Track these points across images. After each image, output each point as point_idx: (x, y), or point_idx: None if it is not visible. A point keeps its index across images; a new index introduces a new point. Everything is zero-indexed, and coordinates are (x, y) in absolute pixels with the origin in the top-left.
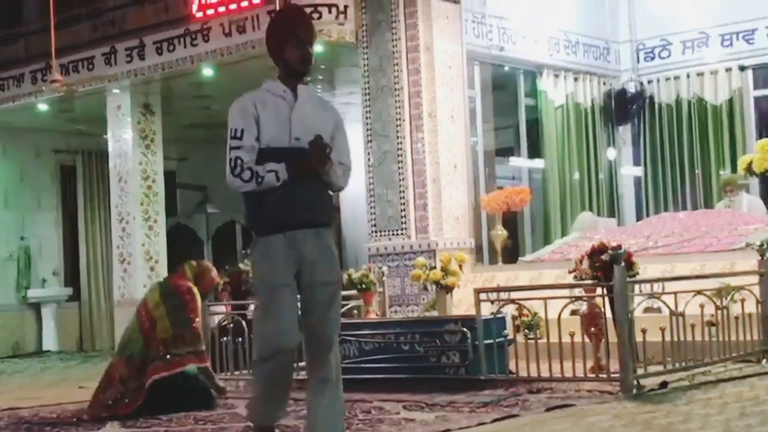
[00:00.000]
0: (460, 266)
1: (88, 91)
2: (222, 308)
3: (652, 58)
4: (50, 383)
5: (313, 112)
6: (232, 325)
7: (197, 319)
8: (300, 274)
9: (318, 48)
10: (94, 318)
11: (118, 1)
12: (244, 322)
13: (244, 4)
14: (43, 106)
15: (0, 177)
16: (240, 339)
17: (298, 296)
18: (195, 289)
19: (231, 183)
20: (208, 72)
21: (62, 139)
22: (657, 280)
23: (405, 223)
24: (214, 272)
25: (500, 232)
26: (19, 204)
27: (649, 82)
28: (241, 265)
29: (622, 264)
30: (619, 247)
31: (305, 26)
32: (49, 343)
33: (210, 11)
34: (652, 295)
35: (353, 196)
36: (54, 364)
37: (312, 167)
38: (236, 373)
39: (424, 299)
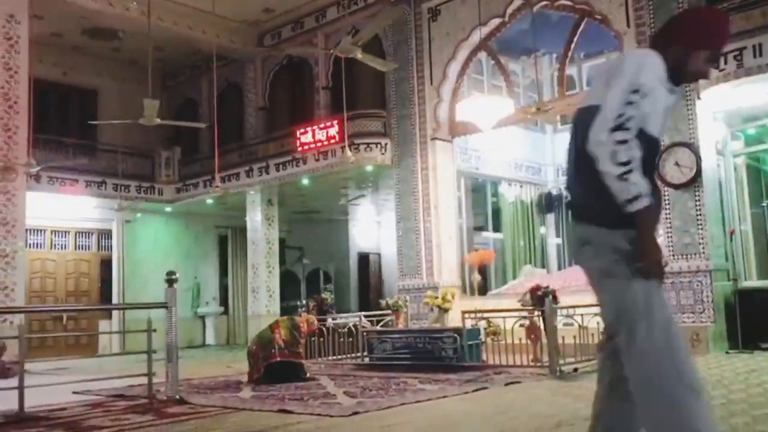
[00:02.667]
0: (452, 297)
1: (235, 192)
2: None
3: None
4: (210, 364)
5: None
6: (318, 330)
7: (302, 340)
8: None
9: (368, 168)
10: (236, 324)
11: (254, 140)
12: (324, 329)
13: (329, 142)
14: (209, 201)
15: (183, 241)
16: (322, 339)
17: None
18: (305, 326)
19: (611, 180)
20: (305, 182)
21: (220, 220)
22: (571, 307)
23: (420, 270)
24: (316, 323)
25: (476, 276)
26: (193, 258)
27: (565, 188)
28: (323, 295)
29: (550, 297)
30: (548, 287)
31: (721, 48)
32: (210, 339)
33: (307, 147)
34: (568, 315)
35: (390, 252)
36: (212, 352)
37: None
38: (319, 359)
39: (430, 316)
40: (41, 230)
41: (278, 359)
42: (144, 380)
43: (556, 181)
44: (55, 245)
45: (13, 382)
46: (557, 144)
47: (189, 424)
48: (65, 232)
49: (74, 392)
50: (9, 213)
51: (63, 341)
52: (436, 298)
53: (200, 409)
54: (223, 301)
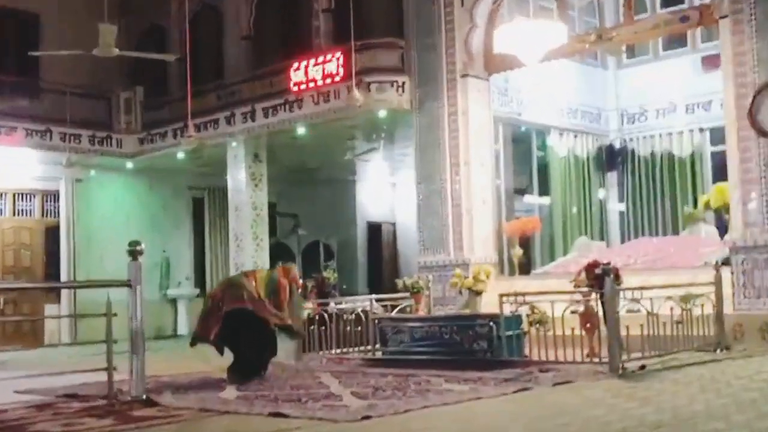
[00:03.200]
0: (487, 276)
1: (213, 144)
2: (310, 305)
3: (633, 122)
4: (183, 358)
5: None
6: (317, 317)
7: (284, 299)
8: None
9: (381, 113)
10: None
11: (236, 78)
12: (326, 315)
13: (328, 81)
14: (180, 155)
15: (148, 206)
16: (323, 327)
17: None
18: (285, 282)
19: None
20: (301, 130)
21: (194, 179)
22: (637, 289)
23: (446, 243)
24: (296, 271)
25: (517, 251)
26: (161, 226)
27: (631, 140)
28: (324, 273)
29: (612, 276)
30: (609, 263)
31: None
32: (182, 328)
33: (303, 86)
34: (633, 300)
35: (406, 222)
36: (185, 344)
37: None
38: (320, 352)
39: (458, 301)
40: None
41: (248, 307)
42: (102, 376)
43: (620, 131)
44: None
45: None
46: (622, 82)
47: (160, 430)
48: (1, 194)
49: (16, 391)
50: None
51: (0, 328)
52: (467, 277)
53: (173, 412)
54: (199, 280)
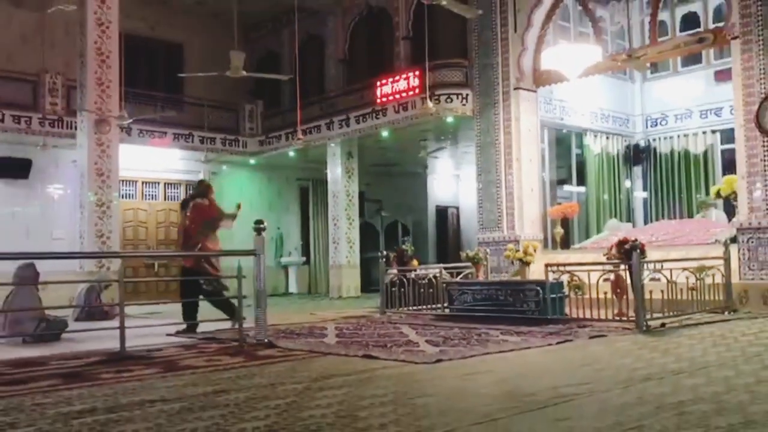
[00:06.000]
0: (534, 250)
1: (316, 145)
2: (394, 271)
3: (655, 125)
4: (294, 311)
5: None
6: (398, 281)
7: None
8: None
9: (449, 119)
10: (317, 274)
11: (334, 93)
12: (405, 280)
13: (407, 94)
14: (291, 153)
15: (267, 194)
16: (402, 289)
17: None
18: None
19: None
20: (384, 134)
21: (301, 172)
22: (658, 261)
23: (501, 223)
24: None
25: (559, 230)
26: (277, 209)
27: (654, 140)
28: (403, 247)
29: (638, 251)
30: (635, 240)
31: None
32: (292, 288)
33: (387, 98)
34: (655, 270)
35: (468, 206)
36: (295, 300)
37: None
38: (401, 308)
39: (511, 269)
40: (133, 181)
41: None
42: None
43: (644, 132)
44: (146, 196)
45: (114, 323)
46: (646, 93)
47: (279, 366)
48: (155, 183)
49: (168, 334)
50: (104, 164)
51: (155, 287)
52: (518, 251)
53: (288, 353)
54: (305, 251)
